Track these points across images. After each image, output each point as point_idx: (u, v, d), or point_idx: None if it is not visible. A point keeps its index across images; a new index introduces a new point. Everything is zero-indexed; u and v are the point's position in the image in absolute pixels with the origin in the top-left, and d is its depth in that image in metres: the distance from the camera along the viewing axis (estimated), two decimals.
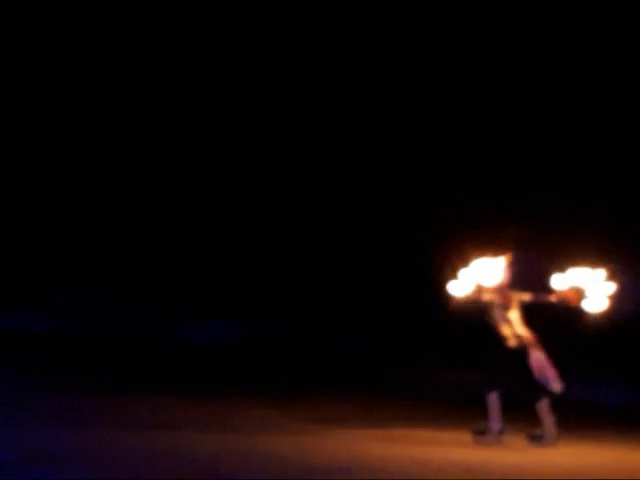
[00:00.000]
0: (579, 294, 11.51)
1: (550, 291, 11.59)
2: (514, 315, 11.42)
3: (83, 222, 24.62)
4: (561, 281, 11.55)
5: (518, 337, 11.43)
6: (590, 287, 11.48)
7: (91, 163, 24.78)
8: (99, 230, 24.67)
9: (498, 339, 11.46)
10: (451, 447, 10.85)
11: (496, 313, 11.45)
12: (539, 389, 11.33)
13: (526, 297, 11.49)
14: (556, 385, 11.40)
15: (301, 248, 24.37)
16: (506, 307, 11.41)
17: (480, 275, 11.46)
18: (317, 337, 22.87)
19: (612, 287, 11.52)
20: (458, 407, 14.49)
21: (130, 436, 10.04)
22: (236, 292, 24.15)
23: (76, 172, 24.76)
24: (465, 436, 11.46)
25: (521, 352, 11.41)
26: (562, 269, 11.64)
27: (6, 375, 14.84)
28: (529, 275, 11.72)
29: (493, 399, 11.40)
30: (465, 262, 11.58)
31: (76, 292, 23.85)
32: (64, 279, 23.88)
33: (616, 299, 11.47)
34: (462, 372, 16.30)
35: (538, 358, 11.38)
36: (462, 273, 11.55)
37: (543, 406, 11.38)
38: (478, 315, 11.58)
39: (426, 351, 19.53)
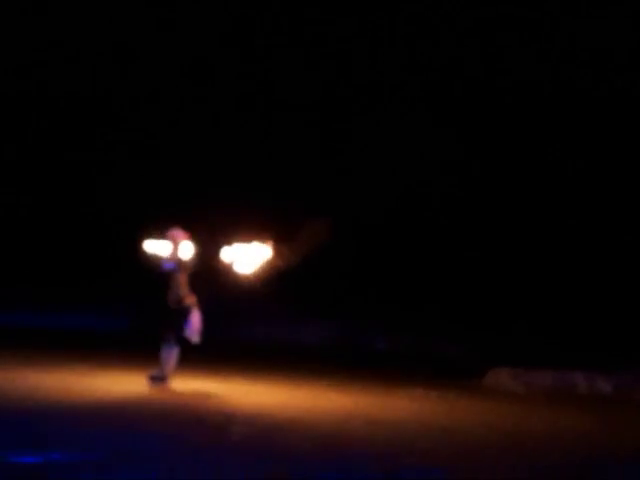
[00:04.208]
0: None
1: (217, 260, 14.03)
2: (182, 280, 13.65)
3: None
4: (227, 252, 14.05)
5: (184, 299, 13.61)
6: (246, 255, 14.02)
7: None
8: None
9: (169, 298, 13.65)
10: None
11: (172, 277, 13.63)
12: (177, 340, 13.56)
13: (191, 266, 13.75)
14: (195, 338, 13.65)
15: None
16: (180, 273, 13.65)
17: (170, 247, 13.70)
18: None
19: (265, 254, 14.10)
20: None
21: None
22: (329, 293, 24.31)
23: None
24: None
25: (184, 310, 13.58)
26: (229, 243, 14.14)
27: None
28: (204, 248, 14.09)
29: (173, 352, 13.50)
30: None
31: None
32: None
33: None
34: None
35: (195, 318, 13.59)
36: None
37: (170, 353, 13.47)
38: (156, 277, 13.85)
39: None
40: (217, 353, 19.53)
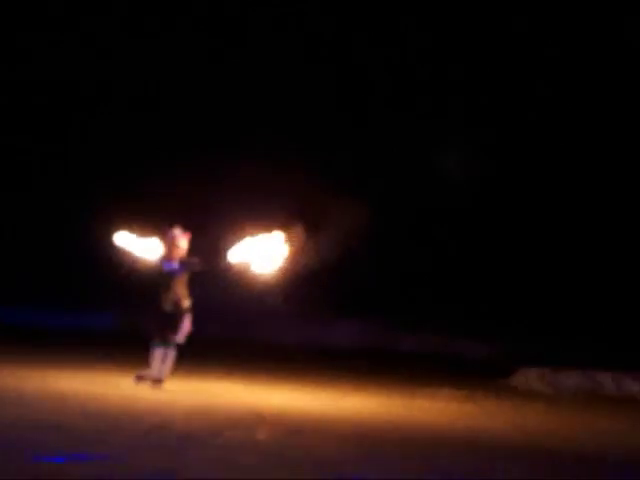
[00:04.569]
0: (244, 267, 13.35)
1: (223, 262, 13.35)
2: (182, 282, 13.23)
3: None
4: (235, 252, 13.25)
5: (179, 302, 13.19)
6: (264, 251, 13.20)
7: None
8: None
9: (162, 300, 13.21)
10: None
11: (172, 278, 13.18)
12: (169, 340, 13.14)
13: (197, 267, 13.29)
14: (181, 339, 13.21)
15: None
16: (181, 274, 13.23)
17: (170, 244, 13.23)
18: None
19: (286, 249, 13.27)
20: None
21: None
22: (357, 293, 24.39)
23: None
24: None
25: (179, 313, 13.18)
26: (239, 241, 13.31)
27: None
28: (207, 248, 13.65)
29: (157, 352, 13.13)
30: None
31: None
32: None
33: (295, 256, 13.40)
34: None
35: (187, 323, 13.17)
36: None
37: (159, 354, 13.11)
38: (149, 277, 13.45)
39: None
40: (252, 356, 19.60)
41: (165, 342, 13.16)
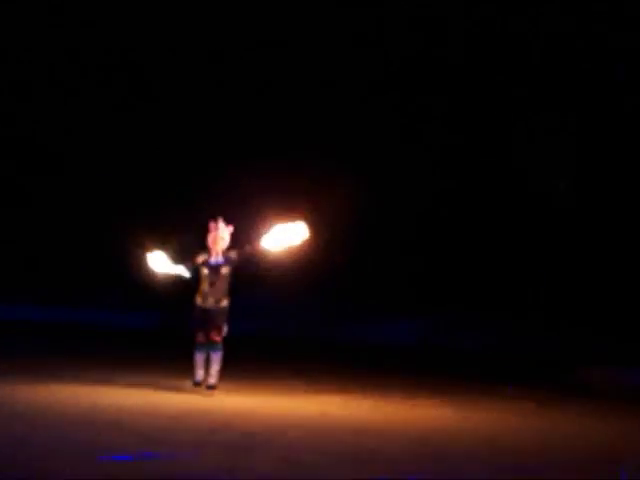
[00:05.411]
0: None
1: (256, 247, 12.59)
2: (225, 277, 12.48)
3: None
4: (267, 238, 12.53)
5: (221, 300, 12.47)
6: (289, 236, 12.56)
7: None
8: None
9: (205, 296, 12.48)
10: None
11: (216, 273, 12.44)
12: (212, 341, 12.37)
13: (234, 255, 12.50)
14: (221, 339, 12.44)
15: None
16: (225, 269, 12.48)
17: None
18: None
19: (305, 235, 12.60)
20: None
21: None
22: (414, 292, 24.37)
23: None
24: None
25: (218, 313, 12.43)
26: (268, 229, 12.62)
27: None
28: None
29: (199, 356, 12.44)
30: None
31: None
32: None
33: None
34: None
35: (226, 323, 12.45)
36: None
37: (200, 357, 12.44)
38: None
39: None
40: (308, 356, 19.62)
41: (208, 343, 12.40)
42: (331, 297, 25.21)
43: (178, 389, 12.61)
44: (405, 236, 25.44)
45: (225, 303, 12.46)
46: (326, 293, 25.09)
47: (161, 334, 22.95)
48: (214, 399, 12.06)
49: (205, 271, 12.45)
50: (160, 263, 12.75)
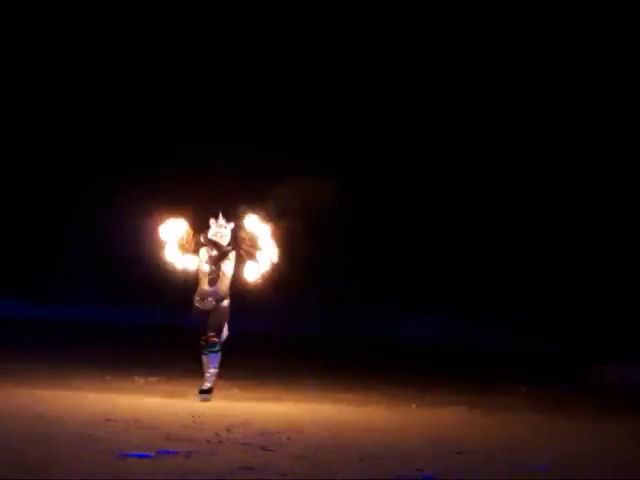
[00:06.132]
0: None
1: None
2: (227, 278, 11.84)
3: None
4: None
5: (221, 299, 11.85)
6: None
7: None
8: None
9: (203, 298, 11.89)
10: None
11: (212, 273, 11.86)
12: (211, 342, 11.79)
13: (234, 252, 11.84)
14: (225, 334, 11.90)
15: None
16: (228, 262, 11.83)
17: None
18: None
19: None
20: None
21: None
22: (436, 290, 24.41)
23: None
24: None
25: (218, 313, 11.84)
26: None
27: None
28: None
29: (204, 359, 11.88)
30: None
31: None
32: None
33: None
34: None
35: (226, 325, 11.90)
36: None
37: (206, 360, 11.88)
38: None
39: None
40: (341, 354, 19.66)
41: (207, 345, 11.83)
42: (347, 295, 25.23)
43: (195, 387, 12.65)
44: (420, 236, 25.48)
45: (225, 303, 11.84)
46: (343, 291, 25.12)
47: (172, 331, 22.97)
48: (231, 397, 12.12)
49: (204, 269, 11.85)
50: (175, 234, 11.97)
